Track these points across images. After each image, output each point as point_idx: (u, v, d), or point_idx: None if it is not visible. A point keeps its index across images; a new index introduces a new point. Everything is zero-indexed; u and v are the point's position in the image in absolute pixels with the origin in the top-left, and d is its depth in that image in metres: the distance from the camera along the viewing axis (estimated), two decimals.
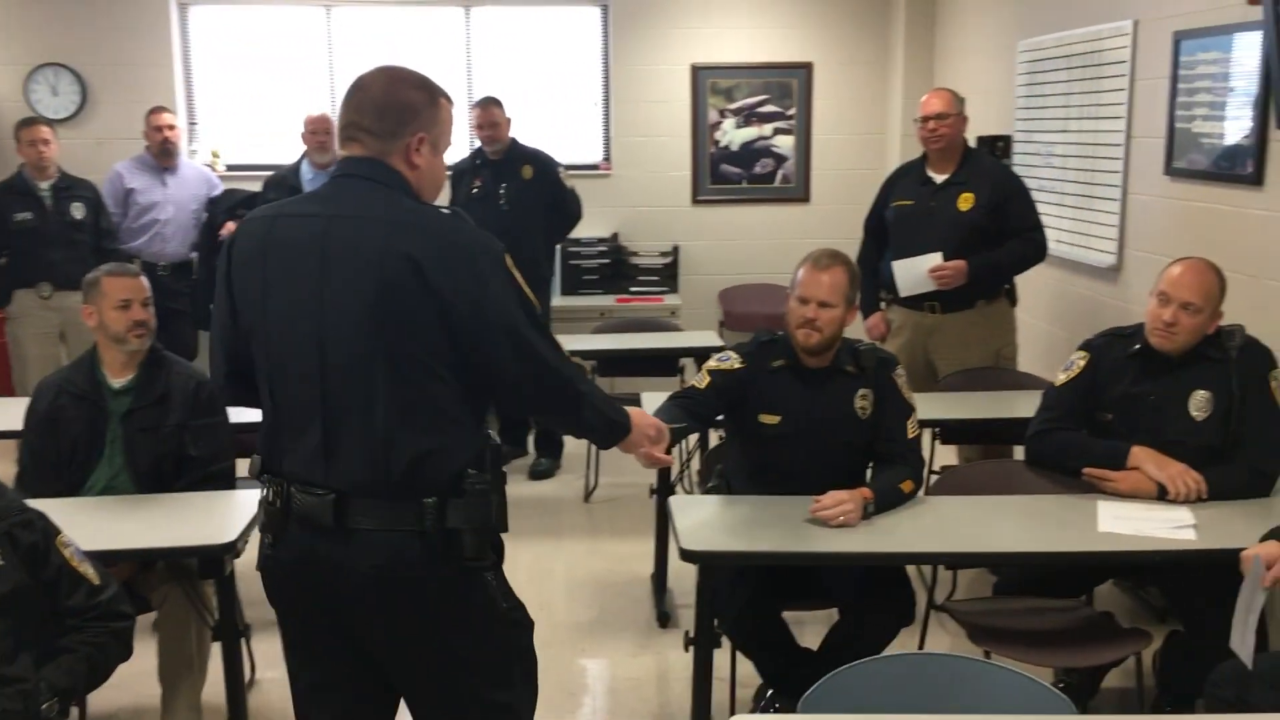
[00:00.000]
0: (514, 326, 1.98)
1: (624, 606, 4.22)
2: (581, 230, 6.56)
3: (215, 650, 2.99)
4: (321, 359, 1.98)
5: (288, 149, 5.85)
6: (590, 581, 4.46)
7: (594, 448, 5.45)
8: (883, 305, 4.71)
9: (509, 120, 5.61)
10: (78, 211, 5.53)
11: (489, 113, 5.57)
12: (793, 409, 3.06)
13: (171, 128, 5.94)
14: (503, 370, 2.01)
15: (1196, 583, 2.91)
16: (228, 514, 2.93)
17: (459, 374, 1.99)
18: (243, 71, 6.89)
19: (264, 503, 2.07)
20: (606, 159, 6.99)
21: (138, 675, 3.23)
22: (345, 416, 1.98)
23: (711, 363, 3.15)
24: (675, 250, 6.86)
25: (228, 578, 2.88)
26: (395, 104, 2.03)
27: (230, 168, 6.75)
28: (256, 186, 5.78)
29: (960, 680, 2.07)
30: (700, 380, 3.12)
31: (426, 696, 2.16)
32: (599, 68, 6.95)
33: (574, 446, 5.81)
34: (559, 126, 6.93)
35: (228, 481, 3.25)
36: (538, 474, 5.74)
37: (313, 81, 6.86)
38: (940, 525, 2.90)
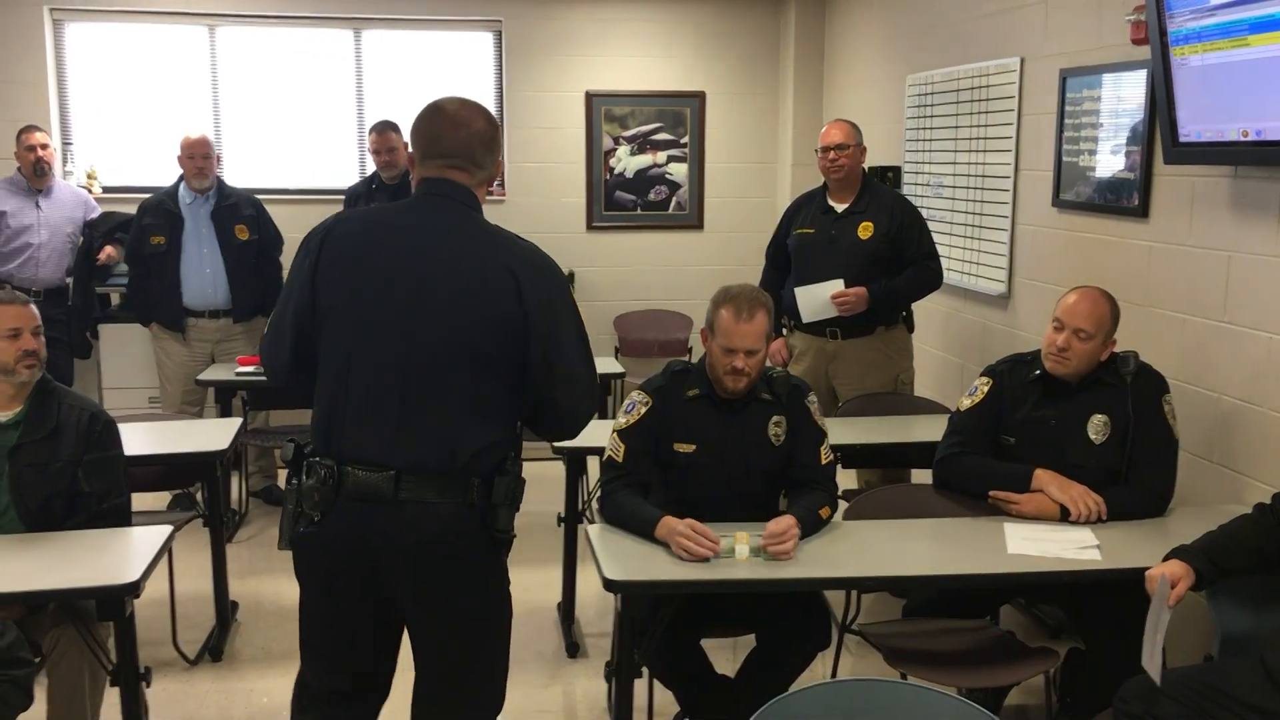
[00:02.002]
0: (569, 348, 2.32)
1: (531, 636, 4.15)
2: None
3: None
4: (409, 351, 2.22)
5: (168, 170, 5.65)
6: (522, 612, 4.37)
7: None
8: (784, 331, 4.77)
9: (406, 144, 5.49)
10: None
11: (386, 138, 5.50)
12: (707, 437, 3.07)
13: (45, 147, 5.70)
14: (547, 377, 2.30)
15: (1097, 601, 3.00)
16: (126, 552, 2.81)
17: (518, 376, 2.29)
18: (121, 90, 6.65)
19: (310, 485, 2.23)
20: (500, 185, 6.94)
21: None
22: (423, 404, 2.22)
23: (620, 420, 3.12)
24: (570, 276, 6.83)
25: (128, 619, 2.76)
26: (492, 140, 2.36)
27: (107, 189, 6.51)
28: (134, 209, 5.56)
29: (890, 706, 2.09)
30: (617, 451, 3.08)
31: (437, 646, 2.37)
32: (493, 93, 6.91)
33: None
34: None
35: (122, 518, 3.11)
36: None
37: (195, 101, 6.66)
38: (856, 550, 2.94)
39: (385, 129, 5.51)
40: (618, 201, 7.02)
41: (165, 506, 5.11)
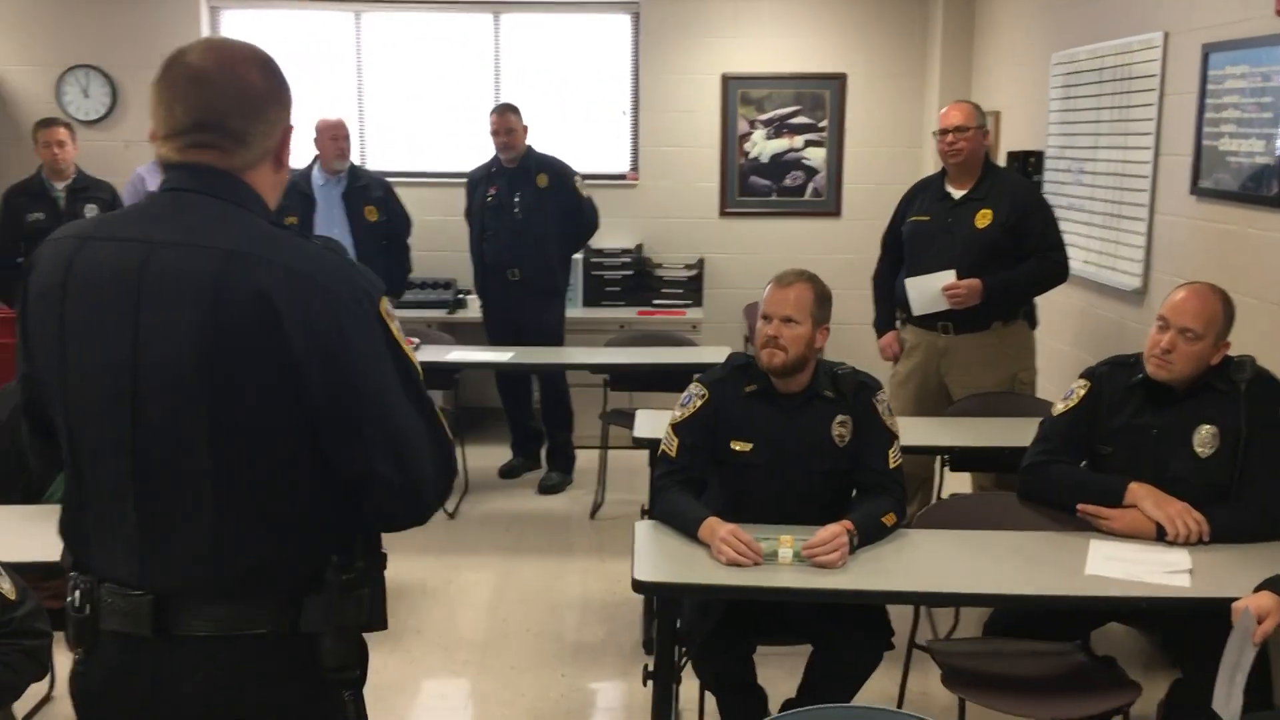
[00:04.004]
0: (383, 396, 1.56)
1: (615, 629, 4.09)
2: (605, 241, 6.48)
3: None
4: (135, 425, 1.55)
5: (309, 153, 5.80)
6: (584, 602, 4.34)
7: (606, 462, 5.36)
8: (898, 325, 4.54)
9: (525, 128, 5.52)
10: (90, 213, 5.53)
11: (504, 119, 5.49)
12: (765, 436, 2.92)
13: None
14: (351, 439, 1.56)
15: (1193, 631, 2.71)
16: None
17: (308, 446, 1.57)
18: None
19: (70, 608, 1.63)
20: (634, 169, 6.87)
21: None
22: (166, 500, 1.57)
23: (676, 413, 3.00)
24: (700, 263, 6.72)
25: None
26: (264, 97, 1.60)
27: None
28: None
29: None
30: (671, 445, 2.96)
31: None
32: (628, 76, 6.84)
33: (585, 462, 5.70)
34: (586, 135, 6.83)
35: None
36: (547, 488, 5.63)
37: (340, 86, 6.83)
38: (916, 561, 2.74)
39: (504, 110, 5.51)
40: (752, 187, 6.85)
41: None
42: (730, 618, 2.85)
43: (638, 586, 2.58)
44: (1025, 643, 3.00)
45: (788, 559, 2.64)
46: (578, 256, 6.33)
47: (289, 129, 1.66)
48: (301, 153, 5.63)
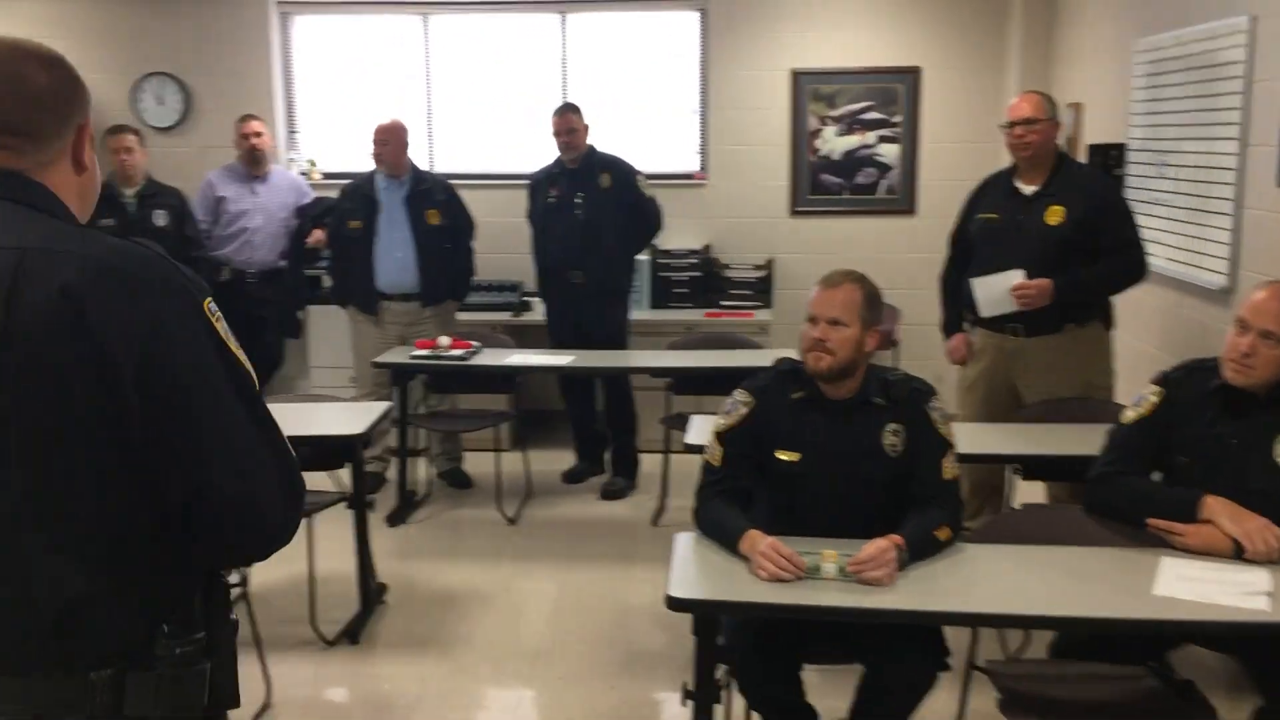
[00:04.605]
0: (212, 401, 1.39)
1: (673, 641, 3.97)
2: (673, 242, 6.38)
3: None
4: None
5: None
6: (643, 612, 4.23)
7: (669, 467, 5.26)
8: (966, 327, 4.36)
9: (586, 127, 5.45)
10: (160, 219, 5.60)
11: (566, 119, 5.42)
12: (813, 445, 2.79)
13: (259, 135, 5.98)
14: (179, 448, 1.38)
15: (1275, 656, 2.52)
16: None
17: (134, 467, 1.37)
18: (342, 79, 6.92)
19: None
20: (702, 168, 6.76)
21: None
22: None
23: (720, 421, 2.89)
24: (770, 263, 6.58)
25: None
26: (46, 88, 1.46)
27: (328, 176, 6.77)
28: None
29: None
30: (714, 455, 2.86)
31: None
32: (696, 74, 6.72)
33: (650, 466, 5.60)
34: (654, 134, 6.73)
35: None
36: (610, 494, 5.55)
37: (408, 89, 6.83)
38: (971, 579, 2.60)
39: (565, 110, 5.44)
40: (823, 185, 6.68)
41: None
42: (775, 635, 2.73)
43: (672, 603, 2.48)
44: (1094, 665, 2.82)
45: (832, 575, 2.51)
46: (644, 258, 6.24)
47: (84, 127, 1.52)
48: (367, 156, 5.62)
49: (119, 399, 1.35)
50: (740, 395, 2.88)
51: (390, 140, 5.39)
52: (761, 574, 2.52)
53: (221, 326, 1.43)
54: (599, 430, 5.80)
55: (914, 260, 6.47)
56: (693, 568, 2.64)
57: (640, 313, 6.22)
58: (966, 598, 2.51)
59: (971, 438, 3.77)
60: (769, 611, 2.54)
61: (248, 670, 3.46)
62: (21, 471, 1.36)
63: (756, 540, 2.58)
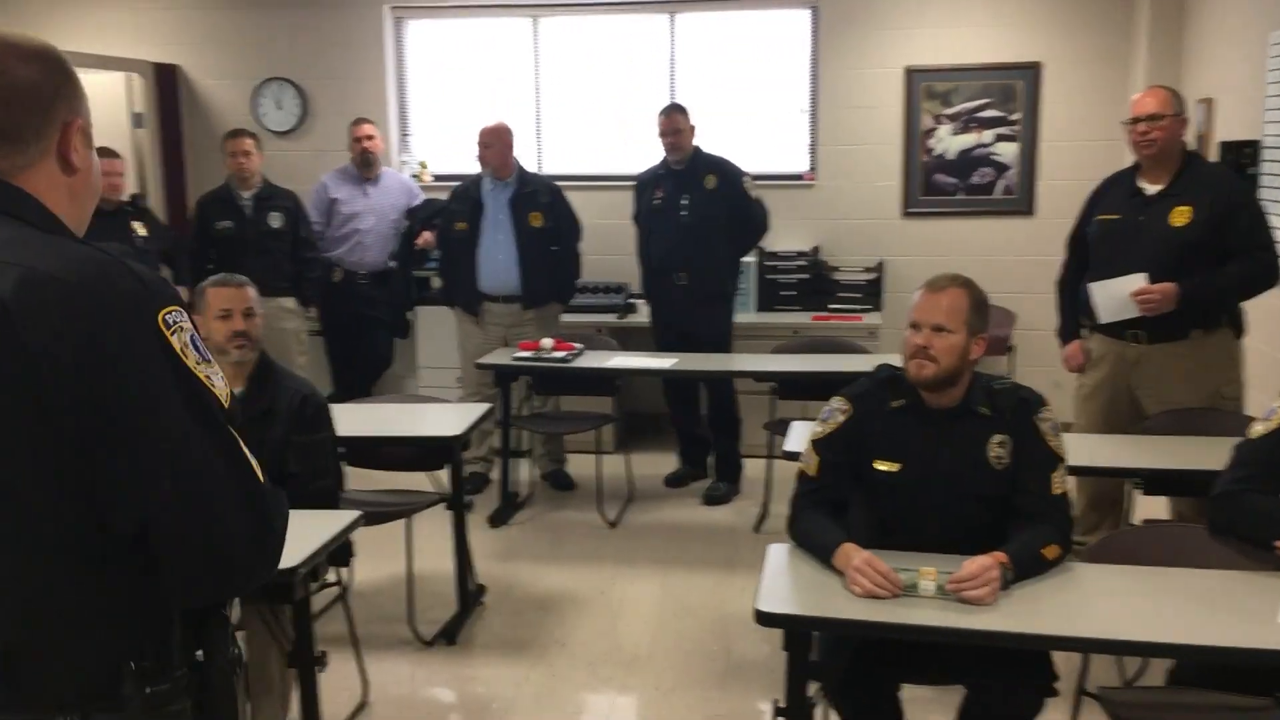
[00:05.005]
0: (160, 422, 1.26)
1: (774, 651, 3.86)
2: (780, 243, 6.29)
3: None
4: None
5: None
6: (744, 620, 4.12)
7: (773, 473, 5.16)
8: (1084, 333, 4.17)
9: (692, 128, 5.38)
10: (275, 221, 5.71)
11: (671, 120, 5.37)
12: (913, 456, 2.67)
13: (370, 138, 6.06)
14: (125, 493, 1.27)
15: None
16: (306, 536, 2.82)
17: (76, 496, 1.27)
18: (453, 82, 6.98)
19: None
20: (812, 169, 6.63)
21: None
22: None
23: (816, 428, 2.79)
24: (880, 266, 6.42)
25: (301, 603, 2.79)
26: (23, 84, 1.35)
27: (439, 178, 6.84)
28: None
29: None
30: (810, 464, 2.77)
31: None
32: (806, 72, 6.60)
33: (754, 471, 5.51)
34: (763, 135, 6.64)
35: (328, 501, 3.18)
36: (712, 499, 5.47)
37: (518, 91, 6.86)
38: (1080, 601, 2.45)
39: (671, 111, 5.38)
40: (936, 185, 6.50)
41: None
42: (872, 652, 2.62)
43: (761, 618, 2.40)
44: (1217, 695, 2.65)
45: (930, 593, 2.41)
46: (750, 260, 6.16)
47: (71, 124, 1.39)
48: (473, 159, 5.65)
49: (52, 422, 1.24)
50: (838, 402, 2.78)
51: (494, 143, 5.41)
52: (856, 590, 2.42)
53: (179, 340, 1.29)
54: (702, 434, 5.73)
55: (1031, 263, 6.26)
56: (785, 581, 2.56)
57: (746, 316, 6.13)
58: (1075, 621, 2.37)
59: (1089, 449, 3.60)
60: (862, 630, 2.44)
61: (346, 668, 3.50)
62: None
63: (851, 554, 2.49)
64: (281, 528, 1.38)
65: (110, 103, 6.73)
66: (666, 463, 5.85)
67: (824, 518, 2.68)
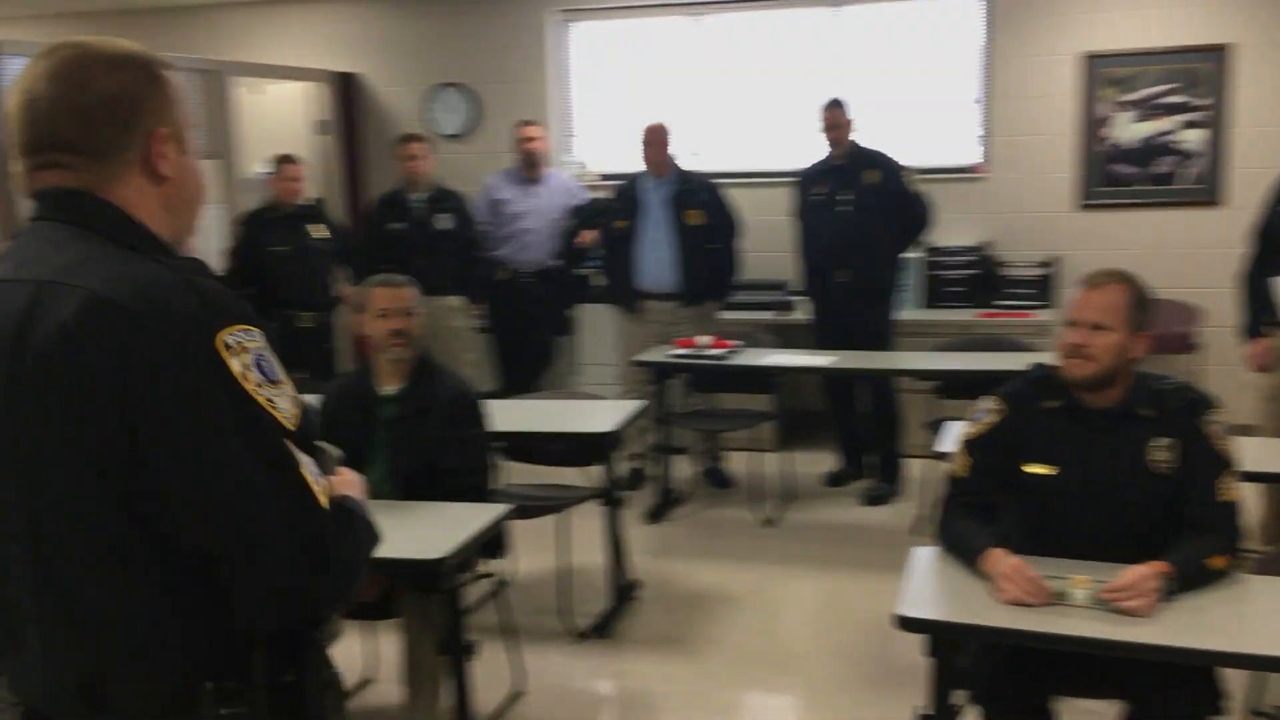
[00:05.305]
0: (205, 450, 1.24)
1: (918, 662, 3.80)
2: (948, 238, 6.13)
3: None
4: (16, 511, 1.32)
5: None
6: (891, 624, 4.06)
7: (934, 473, 5.02)
8: (1268, 330, 3.92)
9: (851, 122, 5.29)
10: (444, 222, 5.89)
11: (832, 114, 5.30)
12: (1068, 459, 2.57)
13: (534, 139, 6.18)
14: (179, 516, 1.26)
15: None
16: (455, 528, 2.90)
17: (142, 524, 1.27)
18: (616, 82, 7.06)
19: None
20: (983, 160, 6.44)
21: (391, 673, 3.34)
22: (6, 591, 1.35)
23: (967, 429, 2.71)
24: (1053, 261, 6.18)
25: (451, 592, 2.87)
26: (103, 96, 1.33)
27: (604, 177, 6.92)
28: None
29: None
30: (961, 465, 2.69)
31: None
32: (978, 62, 6.41)
33: (915, 471, 5.39)
34: (929, 127, 6.48)
35: (479, 495, 3.26)
36: (872, 499, 5.38)
37: (680, 90, 6.89)
38: (1257, 615, 2.32)
39: (832, 105, 5.30)
40: (1114, 175, 6.21)
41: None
42: (1022, 662, 2.53)
43: (902, 623, 2.35)
44: None
45: (1082, 602, 2.31)
46: (915, 255, 6.02)
47: (155, 133, 1.37)
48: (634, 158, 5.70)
49: (110, 446, 1.23)
50: (990, 402, 2.69)
51: (652, 141, 5.45)
52: (1002, 596, 2.34)
53: (240, 362, 1.26)
54: (862, 433, 5.64)
55: (1219, 256, 5.90)
56: (930, 585, 2.51)
57: (910, 312, 6.00)
58: (1245, 636, 2.23)
59: (1272, 453, 3.39)
60: (1008, 638, 2.36)
61: (503, 658, 3.59)
62: (31, 533, 1.30)
63: (999, 560, 2.40)
64: (349, 551, 1.34)
65: (295, 111, 7.08)
66: (826, 461, 5.78)
67: (973, 521, 2.60)
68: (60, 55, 1.35)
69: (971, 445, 2.68)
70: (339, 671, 1.50)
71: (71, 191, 1.34)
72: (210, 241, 6.02)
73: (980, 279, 6.21)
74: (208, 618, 1.30)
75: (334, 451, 1.56)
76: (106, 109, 1.34)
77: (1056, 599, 2.32)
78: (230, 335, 1.26)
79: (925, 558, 2.62)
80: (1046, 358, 2.76)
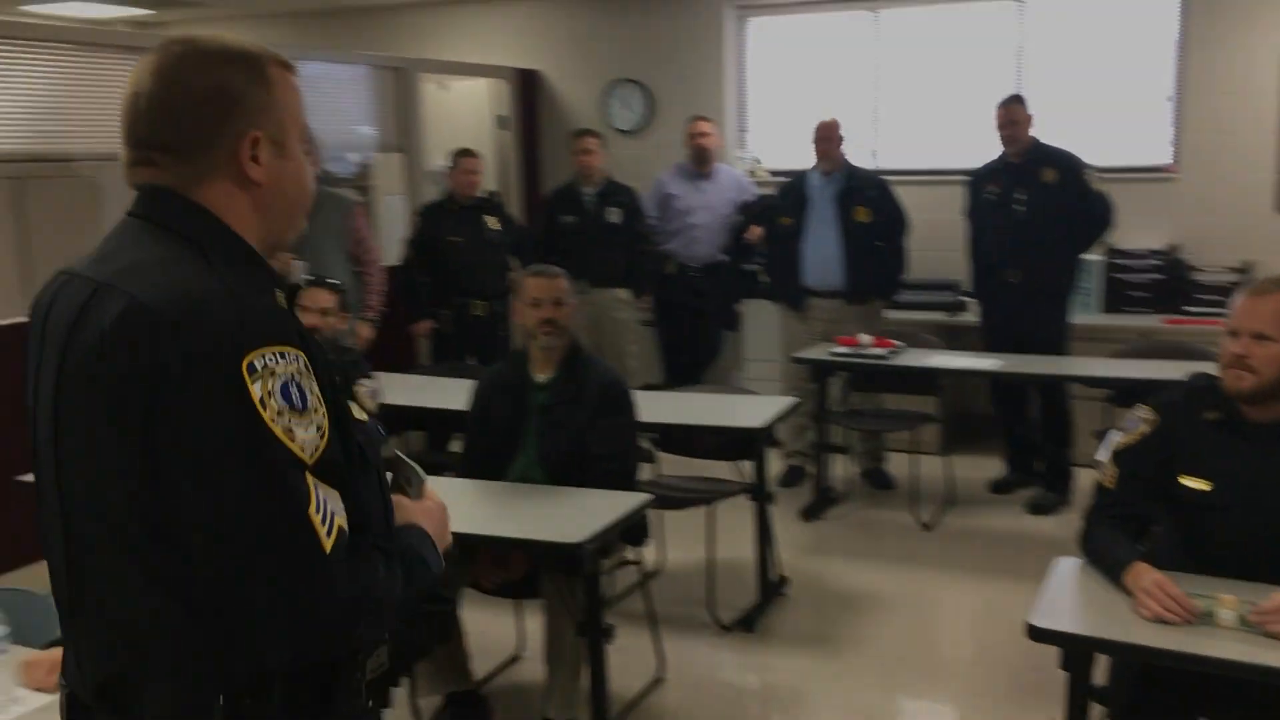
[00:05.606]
0: (203, 476, 1.20)
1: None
2: (1132, 240, 5.91)
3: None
4: (61, 497, 1.33)
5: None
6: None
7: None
8: None
9: (1030, 119, 5.14)
10: (614, 216, 5.99)
11: (1008, 111, 5.17)
12: (1226, 473, 2.44)
13: (705, 135, 6.23)
14: (184, 542, 1.23)
15: None
16: (595, 513, 2.98)
17: (163, 539, 1.24)
18: (792, 78, 7.03)
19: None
20: (1173, 160, 6.14)
21: (537, 652, 3.45)
22: (84, 586, 1.34)
23: (1118, 438, 2.61)
24: (1249, 266, 5.84)
25: (591, 577, 2.95)
26: (197, 95, 1.32)
27: (775, 173, 6.92)
28: None
29: None
30: (1108, 476, 2.60)
31: None
32: (1172, 57, 6.11)
33: (1086, 481, 5.18)
34: (1118, 125, 6.21)
35: (625, 482, 3.33)
36: (1038, 508, 5.22)
37: (856, 85, 6.81)
38: None
39: (1009, 102, 5.16)
40: None
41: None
42: (1167, 682, 2.43)
43: (1033, 633, 2.29)
44: None
45: (1230, 623, 2.20)
46: (1095, 257, 5.81)
47: (246, 137, 1.34)
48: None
49: (133, 452, 1.22)
50: (1143, 411, 2.59)
51: (825, 136, 5.42)
52: (1144, 612, 2.26)
53: (263, 386, 1.22)
54: (1031, 440, 5.47)
55: None
56: (1068, 596, 2.44)
57: (1088, 316, 5.79)
58: None
59: None
60: (1146, 656, 2.27)
61: (646, 644, 3.66)
62: (69, 530, 1.32)
63: (1142, 574, 2.32)
64: (355, 591, 1.28)
65: (477, 107, 7.33)
66: (993, 467, 5.64)
67: (1118, 533, 2.51)
68: (169, 51, 1.34)
69: (1121, 456, 2.59)
70: (384, 702, 1.49)
71: (158, 189, 1.34)
72: (392, 230, 6.31)
73: (1166, 284, 5.93)
74: (231, 639, 1.25)
75: (419, 473, 1.54)
76: (198, 108, 1.32)
77: (1201, 618, 2.22)
78: (260, 358, 1.22)
79: (1067, 568, 2.55)
80: (1210, 367, 2.64)
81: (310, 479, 1.24)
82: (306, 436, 1.24)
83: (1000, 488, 5.50)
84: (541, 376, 3.42)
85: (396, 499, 1.49)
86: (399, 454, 1.56)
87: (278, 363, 1.23)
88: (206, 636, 1.24)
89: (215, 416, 1.20)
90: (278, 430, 1.22)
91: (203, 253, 1.30)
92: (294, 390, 1.24)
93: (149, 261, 1.28)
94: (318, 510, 1.23)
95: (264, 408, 1.21)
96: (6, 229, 5.03)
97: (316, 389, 1.28)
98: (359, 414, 1.41)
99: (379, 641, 1.43)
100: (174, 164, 1.33)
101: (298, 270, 4.97)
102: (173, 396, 1.20)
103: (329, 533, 1.24)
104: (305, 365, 1.27)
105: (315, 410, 1.26)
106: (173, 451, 1.20)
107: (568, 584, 3.08)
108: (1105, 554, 2.48)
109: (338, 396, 1.33)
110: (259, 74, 1.36)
